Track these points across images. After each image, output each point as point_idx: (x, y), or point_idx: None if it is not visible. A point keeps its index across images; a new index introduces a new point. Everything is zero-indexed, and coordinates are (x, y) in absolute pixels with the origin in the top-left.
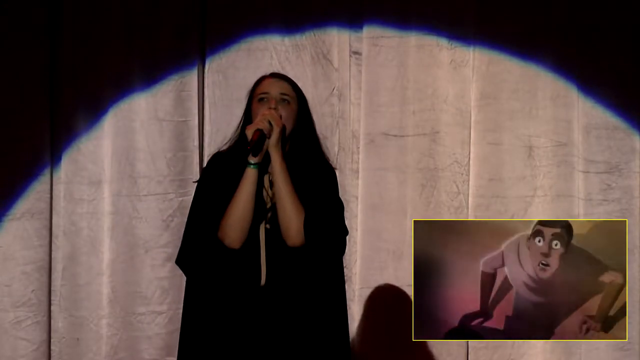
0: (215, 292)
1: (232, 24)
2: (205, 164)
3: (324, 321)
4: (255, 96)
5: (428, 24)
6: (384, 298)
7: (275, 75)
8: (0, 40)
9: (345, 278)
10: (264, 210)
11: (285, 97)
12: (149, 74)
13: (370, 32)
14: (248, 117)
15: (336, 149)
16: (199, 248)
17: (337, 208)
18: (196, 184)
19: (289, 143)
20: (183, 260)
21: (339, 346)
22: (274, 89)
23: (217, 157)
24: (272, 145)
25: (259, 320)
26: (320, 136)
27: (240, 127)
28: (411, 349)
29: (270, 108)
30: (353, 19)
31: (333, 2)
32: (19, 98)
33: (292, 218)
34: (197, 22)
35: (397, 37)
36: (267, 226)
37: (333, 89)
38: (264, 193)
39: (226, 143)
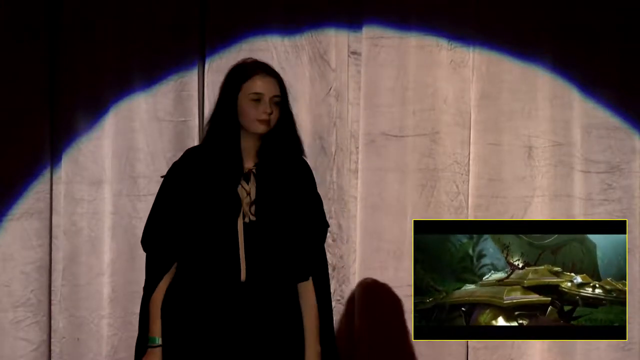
0: (194, 288)
1: (232, 23)
2: None
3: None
4: (244, 91)
5: (428, 24)
6: (384, 298)
7: (265, 71)
8: (0, 40)
9: (344, 278)
10: (238, 205)
11: (277, 98)
12: (149, 74)
13: (369, 33)
14: (232, 108)
15: (333, 149)
16: (161, 238)
17: (320, 206)
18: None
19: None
20: (146, 242)
21: (324, 343)
22: (269, 91)
23: (190, 152)
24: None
25: (240, 317)
26: (299, 129)
27: (212, 119)
28: (411, 349)
29: (266, 113)
30: (352, 20)
31: (332, 2)
32: (19, 98)
33: None
34: (197, 22)
35: (396, 38)
36: (246, 220)
37: (330, 89)
38: (239, 188)
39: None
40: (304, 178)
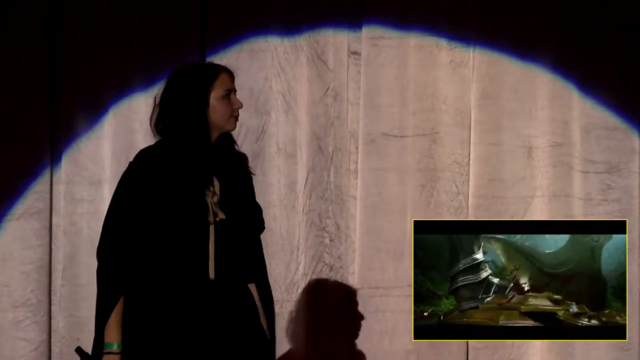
0: (162, 288)
1: (232, 24)
2: None
3: (270, 315)
4: (216, 89)
5: (428, 25)
6: (383, 298)
7: (227, 70)
8: (0, 40)
9: (343, 278)
10: (206, 203)
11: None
12: (149, 74)
13: (369, 33)
14: (202, 107)
15: (330, 149)
16: (118, 247)
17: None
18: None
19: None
20: (102, 252)
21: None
22: (234, 87)
23: (145, 153)
24: None
25: (208, 314)
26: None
27: (180, 115)
28: (411, 349)
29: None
30: (352, 20)
31: (332, 2)
32: (19, 98)
33: None
34: (197, 22)
35: (396, 38)
36: (216, 219)
37: (327, 89)
38: (207, 190)
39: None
40: (248, 172)
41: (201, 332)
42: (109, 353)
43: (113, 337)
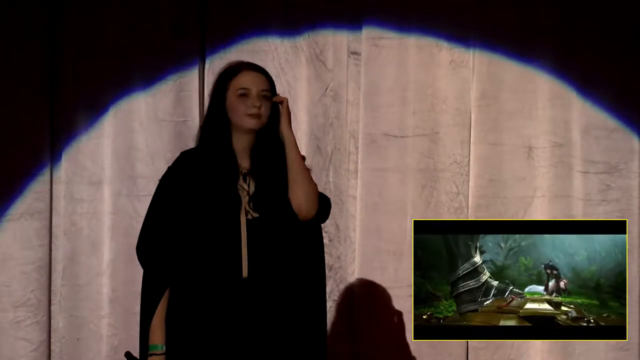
0: (196, 288)
1: (232, 24)
2: None
3: (305, 313)
4: (232, 88)
5: (428, 25)
6: (384, 298)
7: (252, 68)
8: (0, 41)
9: (342, 278)
10: (239, 202)
11: (265, 92)
12: (149, 74)
13: (369, 33)
14: (221, 107)
15: (329, 149)
16: (158, 246)
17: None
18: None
19: (256, 137)
20: (141, 252)
21: (317, 340)
22: (256, 85)
23: (184, 155)
24: (285, 125)
25: (242, 313)
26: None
27: (207, 120)
28: (411, 349)
29: (255, 107)
30: (352, 20)
31: (332, 2)
32: (19, 98)
33: (310, 190)
34: (197, 22)
35: (396, 38)
36: (249, 217)
37: (326, 89)
38: (239, 186)
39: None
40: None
41: (233, 330)
42: (153, 354)
43: (157, 338)
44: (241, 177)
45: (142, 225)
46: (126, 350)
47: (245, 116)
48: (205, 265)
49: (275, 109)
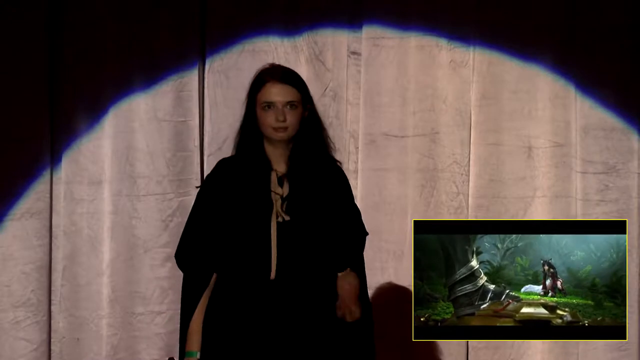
0: (224, 286)
1: (233, 24)
2: (205, 165)
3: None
4: (258, 102)
5: (428, 25)
6: (384, 298)
7: (276, 79)
8: (0, 41)
9: None
10: (270, 205)
11: (292, 102)
12: (149, 74)
13: (369, 33)
14: (252, 121)
15: None
16: (196, 250)
17: (358, 214)
18: (198, 188)
19: (293, 143)
20: (181, 257)
21: (361, 342)
22: (280, 98)
23: (222, 163)
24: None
25: (269, 314)
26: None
27: (240, 130)
28: (411, 349)
29: (279, 120)
30: (352, 20)
31: (332, 2)
32: (19, 98)
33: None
34: (197, 22)
35: (396, 38)
36: (279, 219)
37: (325, 89)
38: (272, 188)
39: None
40: (339, 184)
41: (260, 331)
42: None
43: (193, 345)
44: (276, 181)
45: (182, 232)
46: (169, 357)
47: (270, 129)
48: (236, 267)
49: (310, 113)
